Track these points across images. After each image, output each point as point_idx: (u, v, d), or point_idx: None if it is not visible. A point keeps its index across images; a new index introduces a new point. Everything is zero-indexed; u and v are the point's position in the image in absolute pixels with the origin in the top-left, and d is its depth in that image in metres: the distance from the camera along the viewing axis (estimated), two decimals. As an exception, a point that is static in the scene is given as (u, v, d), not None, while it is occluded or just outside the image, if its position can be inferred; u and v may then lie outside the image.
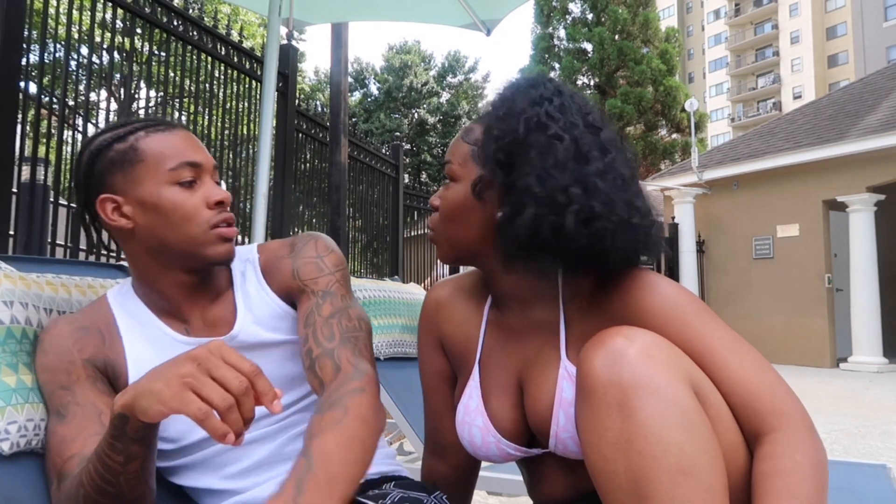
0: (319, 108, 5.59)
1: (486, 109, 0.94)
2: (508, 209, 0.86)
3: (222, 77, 3.93)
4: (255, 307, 0.98)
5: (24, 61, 2.48)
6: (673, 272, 9.63)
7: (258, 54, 4.18)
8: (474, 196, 0.90)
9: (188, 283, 0.94)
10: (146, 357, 0.92)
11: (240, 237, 4.16)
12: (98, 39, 3.06)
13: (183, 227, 0.90)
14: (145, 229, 0.91)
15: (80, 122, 3.18)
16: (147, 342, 0.94)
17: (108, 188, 0.91)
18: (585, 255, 0.84)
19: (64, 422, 0.87)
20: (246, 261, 1.02)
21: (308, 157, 5.26)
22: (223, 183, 4.00)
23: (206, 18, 3.71)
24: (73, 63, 3.34)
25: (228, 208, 0.95)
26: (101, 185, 0.91)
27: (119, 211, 0.91)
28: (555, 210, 0.82)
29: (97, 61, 3.22)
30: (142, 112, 5.35)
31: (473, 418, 0.96)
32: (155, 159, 0.91)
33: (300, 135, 4.93)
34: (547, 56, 18.56)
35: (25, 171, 2.67)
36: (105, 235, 0.98)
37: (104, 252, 3.07)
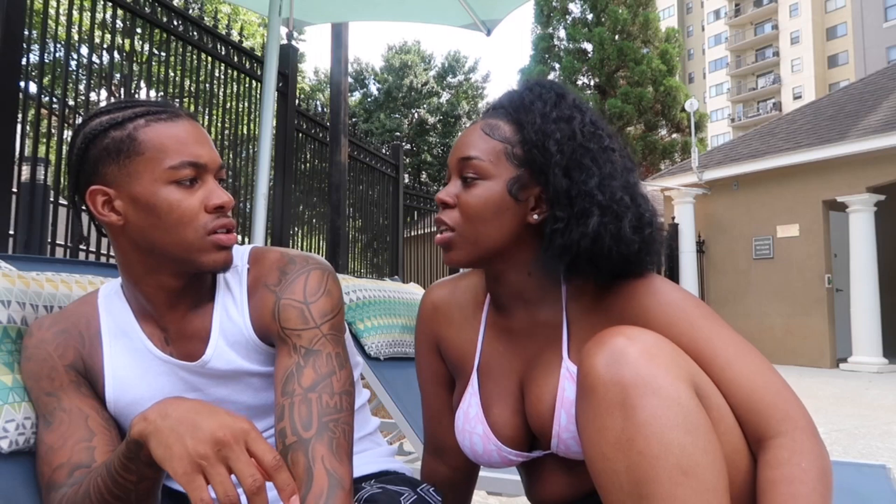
0: (319, 108, 5.57)
1: (517, 106, 0.91)
2: (565, 215, 0.85)
3: (222, 77, 3.92)
4: (232, 330, 0.90)
5: (24, 61, 2.48)
6: (673, 272, 9.63)
7: (258, 54, 4.17)
8: (511, 196, 0.88)
9: (173, 287, 0.88)
10: (124, 369, 0.90)
11: (240, 238, 4.15)
12: (98, 39, 3.06)
13: (177, 230, 0.83)
14: (136, 228, 0.84)
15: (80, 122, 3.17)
16: (126, 353, 0.90)
17: (100, 178, 0.84)
18: (624, 262, 0.85)
19: (50, 429, 0.86)
20: (234, 267, 0.92)
21: (308, 157, 5.26)
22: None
23: (206, 18, 3.71)
24: (73, 63, 3.33)
25: (230, 213, 0.87)
26: (94, 174, 0.84)
27: (110, 205, 0.84)
28: (616, 218, 0.84)
29: (97, 61, 3.21)
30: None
31: (473, 426, 0.96)
32: (154, 153, 0.82)
33: (300, 135, 4.92)
34: (547, 56, 18.55)
35: (25, 171, 2.67)
36: (85, 222, 0.94)
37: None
